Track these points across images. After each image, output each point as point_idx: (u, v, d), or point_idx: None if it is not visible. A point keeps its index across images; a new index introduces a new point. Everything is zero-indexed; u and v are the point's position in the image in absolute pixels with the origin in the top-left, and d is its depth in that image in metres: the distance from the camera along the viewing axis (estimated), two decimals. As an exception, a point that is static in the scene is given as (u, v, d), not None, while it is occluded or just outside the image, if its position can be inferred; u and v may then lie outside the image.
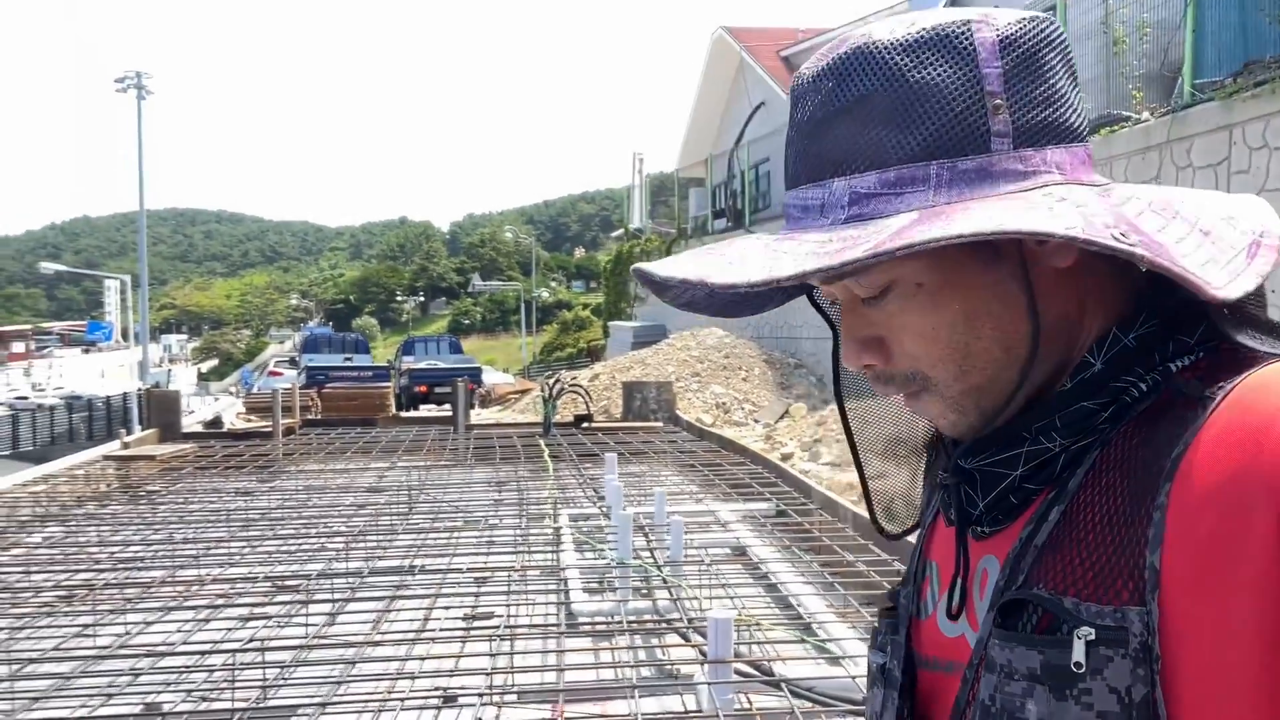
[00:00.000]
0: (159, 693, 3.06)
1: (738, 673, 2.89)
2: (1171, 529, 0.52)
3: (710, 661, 2.83)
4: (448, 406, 15.62)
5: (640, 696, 2.82)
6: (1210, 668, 0.50)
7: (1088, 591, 0.55)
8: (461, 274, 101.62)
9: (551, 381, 10.84)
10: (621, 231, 32.12)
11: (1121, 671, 0.52)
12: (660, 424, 10.13)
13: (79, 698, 3.02)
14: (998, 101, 0.58)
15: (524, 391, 18.58)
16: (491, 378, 25.20)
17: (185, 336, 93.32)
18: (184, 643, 3.48)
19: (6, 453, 30.33)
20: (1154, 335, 0.60)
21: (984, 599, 0.62)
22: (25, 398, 54.86)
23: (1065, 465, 0.60)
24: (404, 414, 13.48)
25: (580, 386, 11.43)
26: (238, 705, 2.89)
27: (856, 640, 3.25)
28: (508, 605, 3.93)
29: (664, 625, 3.58)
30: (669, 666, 3.27)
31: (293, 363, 26.32)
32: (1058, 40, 0.61)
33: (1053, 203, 0.56)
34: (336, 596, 4.08)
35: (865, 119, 0.59)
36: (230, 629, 3.71)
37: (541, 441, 8.76)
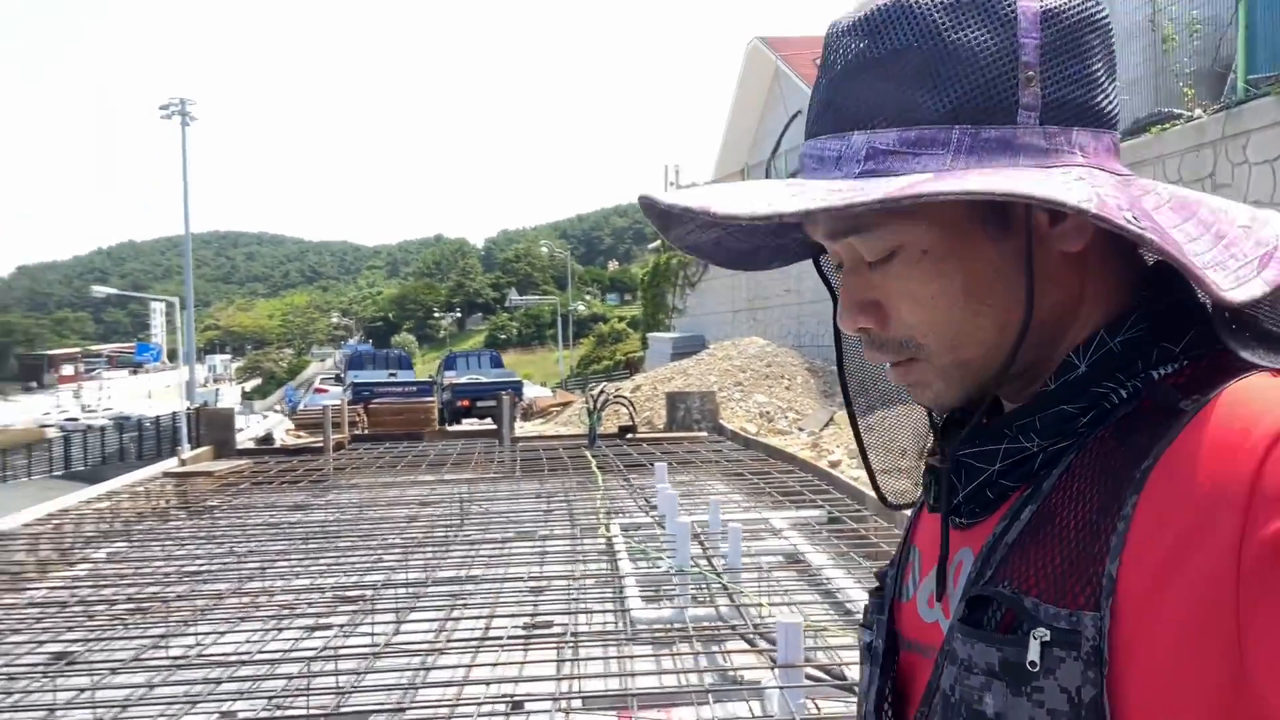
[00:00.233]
0: (233, 701, 3.13)
1: (809, 677, 2.89)
2: (1132, 540, 0.53)
3: (781, 666, 2.83)
4: (489, 420, 15.78)
5: (713, 701, 2.83)
6: (1159, 675, 0.51)
7: (1048, 594, 0.55)
8: (497, 289, 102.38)
9: (596, 393, 10.89)
10: (658, 244, 32.18)
11: (1073, 673, 0.53)
12: (704, 434, 10.12)
13: (157, 706, 3.09)
14: (1030, 74, 0.57)
15: (565, 404, 18.66)
16: (530, 391, 25.34)
17: (229, 356, 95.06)
18: (259, 652, 3.55)
19: (60, 473, 31.10)
20: (1139, 341, 0.60)
21: (958, 588, 0.63)
22: (75, 419, 56.27)
23: (1043, 465, 0.61)
24: (449, 428, 13.59)
25: (625, 398, 11.47)
26: (313, 712, 2.94)
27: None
28: (567, 614, 3.96)
29: (729, 631, 3.58)
30: (734, 672, 3.27)
31: (338, 380, 26.69)
32: (1101, 23, 0.60)
33: (1070, 180, 0.55)
34: (399, 605, 4.13)
35: (895, 74, 0.58)
36: (298, 639, 3.78)
37: (588, 453, 8.80)
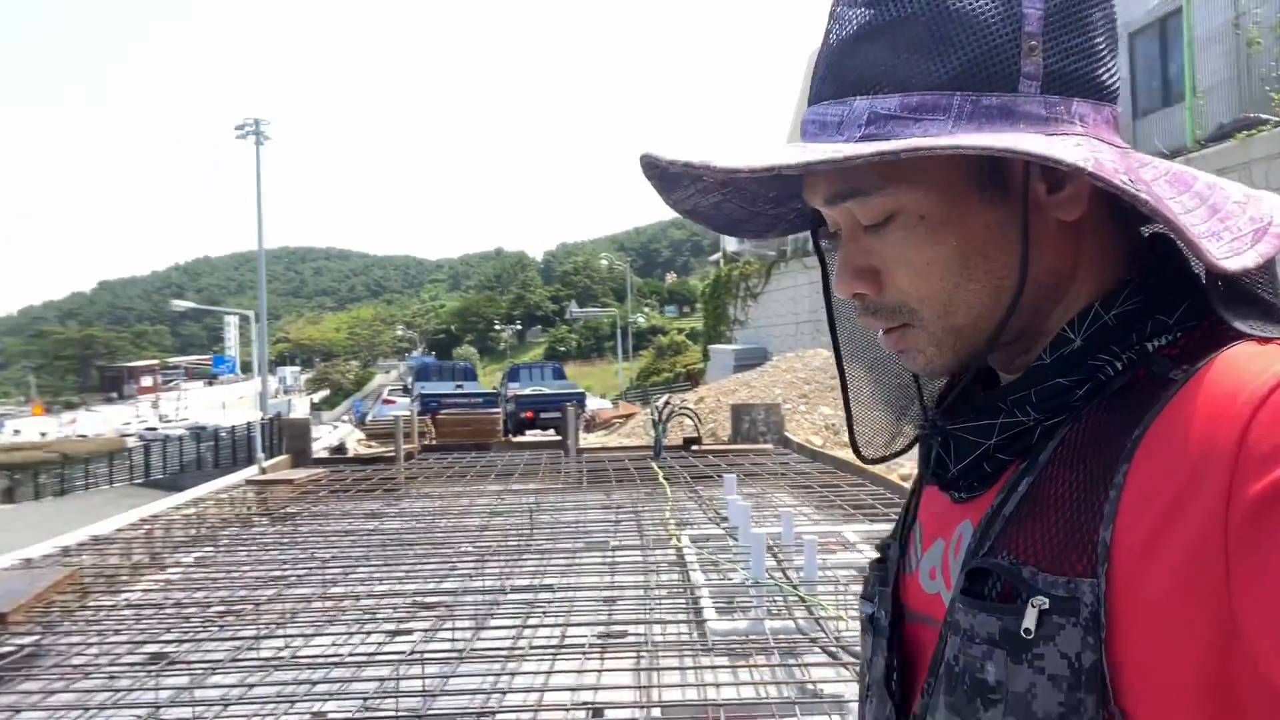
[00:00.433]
0: (324, 701, 3.22)
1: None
2: (1124, 506, 0.54)
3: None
4: (553, 431, 15.92)
5: (800, 714, 2.82)
6: (1154, 636, 0.52)
7: (1045, 562, 0.56)
8: (556, 302, 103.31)
9: (661, 405, 10.92)
10: (719, 255, 32.12)
11: (1072, 639, 0.53)
12: (770, 446, 10.07)
13: (253, 705, 3.20)
14: (1033, 43, 0.58)
15: (628, 416, 18.72)
16: (591, 404, 25.48)
17: (298, 368, 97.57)
18: (349, 655, 3.65)
19: (140, 480, 32.26)
20: (1134, 314, 0.60)
21: (958, 560, 0.64)
22: (154, 429, 58.29)
23: (1039, 438, 0.61)
24: (514, 439, 13.75)
25: (690, 409, 11.47)
26: (402, 713, 3.02)
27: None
28: (642, 624, 3.98)
29: (809, 644, 3.57)
30: (814, 685, 3.26)
31: (405, 391, 27.17)
32: None
33: (1069, 144, 0.56)
34: (477, 612, 4.20)
35: (899, 42, 0.59)
36: (381, 643, 3.87)
37: (654, 464, 8.83)
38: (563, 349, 80.00)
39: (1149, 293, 0.61)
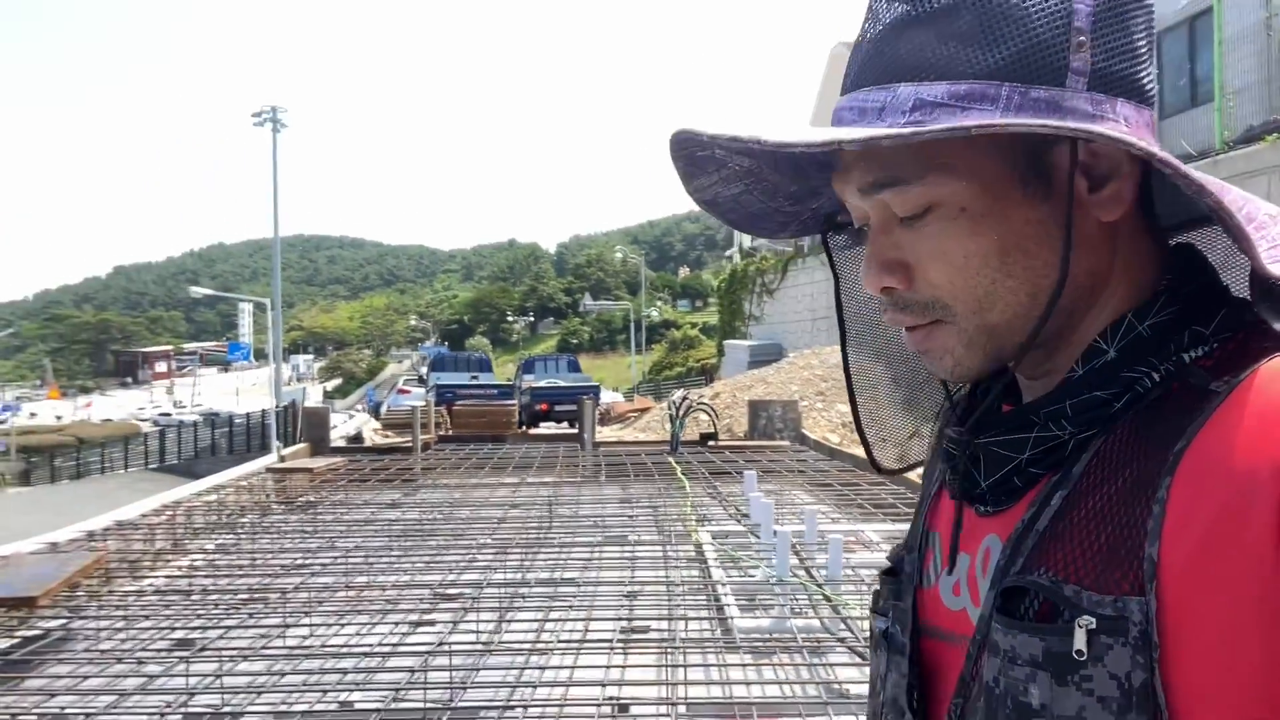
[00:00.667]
0: (350, 691, 3.24)
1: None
2: (1170, 521, 0.52)
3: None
4: (567, 424, 15.94)
5: (833, 715, 2.82)
6: (1209, 655, 0.50)
7: (1088, 580, 0.55)
8: (569, 294, 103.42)
9: (679, 399, 10.91)
10: (734, 250, 32.08)
11: (1122, 659, 0.52)
12: (787, 443, 10.06)
13: (280, 693, 3.22)
14: (1082, 39, 0.57)
15: (643, 410, 18.72)
16: (604, 397, 25.49)
17: (312, 356, 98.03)
18: (378, 645, 3.66)
19: (155, 465, 32.50)
20: (1169, 324, 0.59)
21: (985, 576, 0.62)
22: (168, 414, 58.69)
23: (1071, 450, 0.60)
24: (530, 431, 13.78)
25: (707, 404, 11.47)
26: (430, 705, 3.03)
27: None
28: (664, 620, 3.98)
29: (835, 644, 3.56)
30: (840, 685, 3.25)
31: (420, 381, 27.24)
32: (1147, 1, 0.61)
33: (1130, 136, 0.56)
34: (500, 605, 4.21)
35: (946, 30, 0.58)
36: (405, 633, 3.89)
37: (671, 459, 8.82)
38: (575, 341, 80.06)
39: (1184, 302, 0.60)
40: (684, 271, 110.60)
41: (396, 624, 3.99)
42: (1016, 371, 0.67)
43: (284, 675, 3.36)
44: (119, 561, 5.21)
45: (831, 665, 3.45)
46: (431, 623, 4.03)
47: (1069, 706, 0.54)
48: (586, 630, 3.90)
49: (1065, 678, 0.54)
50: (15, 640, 3.90)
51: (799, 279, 22.84)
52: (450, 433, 11.78)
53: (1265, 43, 8.26)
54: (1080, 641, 0.53)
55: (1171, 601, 0.52)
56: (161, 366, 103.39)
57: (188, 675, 3.30)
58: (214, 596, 4.46)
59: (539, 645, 3.70)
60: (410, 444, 9.37)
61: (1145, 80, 0.60)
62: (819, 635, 3.70)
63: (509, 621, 4.02)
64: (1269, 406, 0.52)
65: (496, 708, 3.11)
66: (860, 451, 10.07)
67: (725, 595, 4.24)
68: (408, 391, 25.09)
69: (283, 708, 3.11)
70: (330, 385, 76.32)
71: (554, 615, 4.11)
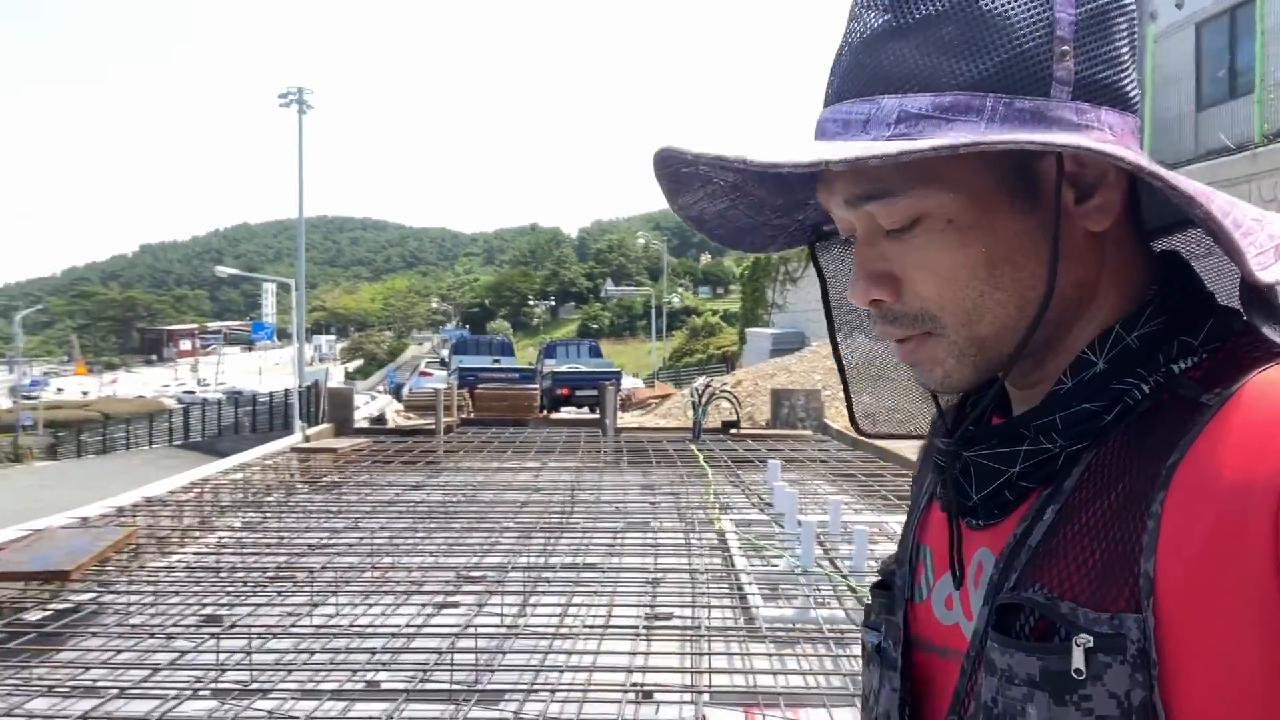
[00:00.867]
0: (377, 671, 3.26)
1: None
2: (1165, 536, 0.52)
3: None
4: (588, 409, 15.97)
5: (860, 707, 2.81)
6: (1208, 671, 0.50)
7: (1084, 597, 0.54)
8: (590, 279, 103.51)
9: (702, 387, 10.90)
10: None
11: (1120, 677, 0.52)
12: (809, 432, 10.03)
13: (307, 671, 3.25)
14: (1065, 48, 0.57)
15: (664, 396, 18.72)
16: (624, 383, 25.51)
17: (334, 337, 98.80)
18: (406, 626, 3.69)
19: (179, 442, 32.91)
20: (1158, 334, 0.59)
21: (978, 590, 0.62)
22: (192, 392, 59.42)
23: (1062, 464, 0.60)
24: (553, 415, 13.82)
25: (730, 393, 11.45)
26: (456, 686, 3.05)
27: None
28: (687, 607, 3.99)
29: (859, 634, 3.55)
30: (865, 677, 3.25)
31: (442, 364, 27.35)
32: (1129, 7, 0.61)
33: (1117, 147, 0.55)
34: (524, 589, 4.23)
35: (929, 41, 0.57)
36: (430, 615, 3.91)
37: (693, 446, 8.82)
38: (595, 326, 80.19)
39: (1172, 312, 0.60)
40: (706, 258, 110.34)
41: (422, 605, 4.01)
42: (1006, 381, 0.66)
43: (312, 654, 3.39)
44: (148, 537, 5.27)
45: (856, 657, 3.44)
46: (456, 605, 4.06)
47: None
48: (610, 616, 3.91)
49: (1064, 697, 0.53)
50: (48, 613, 3.97)
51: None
52: (472, 416, 11.83)
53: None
54: (1079, 660, 0.53)
55: (1169, 618, 0.51)
56: (186, 344, 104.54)
57: (217, 651, 3.34)
58: (241, 574, 4.51)
59: (563, 630, 3.71)
60: (433, 426, 9.42)
61: (1129, 87, 0.60)
62: (843, 626, 3.69)
63: (533, 605, 4.03)
64: (1260, 421, 0.51)
65: (522, 690, 3.13)
66: (884, 442, 10.04)
67: (749, 584, 4.23)
68: (430, 374, 25.19)
69: (310, 685, 3.14)
70: (351, 366, 76.89)
71: (577, 600, 4.12)
